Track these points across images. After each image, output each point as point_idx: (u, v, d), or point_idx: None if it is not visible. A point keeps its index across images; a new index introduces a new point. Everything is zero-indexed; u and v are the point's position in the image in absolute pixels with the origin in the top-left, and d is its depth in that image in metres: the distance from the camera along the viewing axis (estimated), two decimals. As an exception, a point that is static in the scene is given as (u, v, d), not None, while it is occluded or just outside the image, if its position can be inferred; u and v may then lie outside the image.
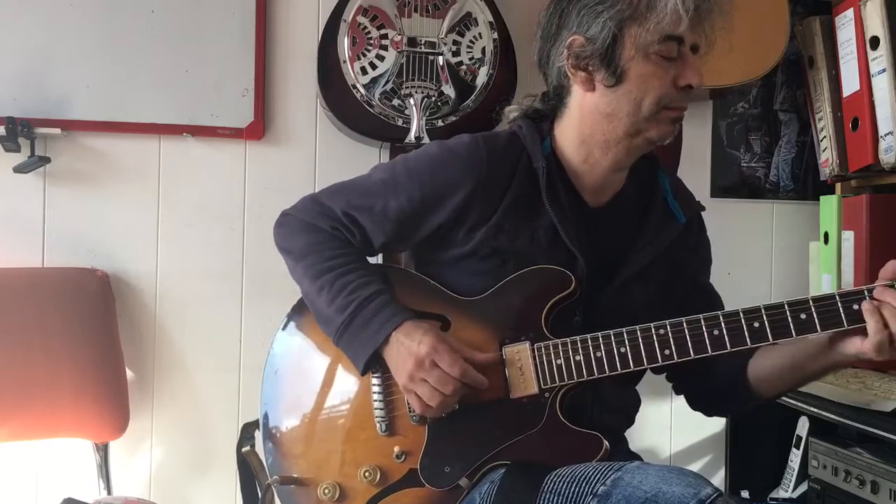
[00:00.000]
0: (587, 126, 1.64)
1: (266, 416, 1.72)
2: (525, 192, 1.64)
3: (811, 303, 1.48)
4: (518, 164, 1.65)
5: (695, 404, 1.86)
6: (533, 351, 1.58)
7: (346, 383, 1.67)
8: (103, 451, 2.34)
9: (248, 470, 1.79)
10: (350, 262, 1.65)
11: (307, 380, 1.70)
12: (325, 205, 1.68)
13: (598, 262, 1.66)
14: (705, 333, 1.51)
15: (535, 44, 1.70)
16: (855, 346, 1.50)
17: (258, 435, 1.75)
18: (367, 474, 1.60)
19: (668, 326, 1.53)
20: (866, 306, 1.45)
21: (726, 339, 1.50)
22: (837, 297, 1.47)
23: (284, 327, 1.75)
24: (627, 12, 1.53)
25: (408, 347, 1.54)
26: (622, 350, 1.54)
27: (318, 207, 1.69)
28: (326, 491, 1.62)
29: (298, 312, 1.75)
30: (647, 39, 1.53)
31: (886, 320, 1.44)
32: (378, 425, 1.62)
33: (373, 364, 1.60)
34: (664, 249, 1.72)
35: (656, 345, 1.52)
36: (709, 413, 1.87)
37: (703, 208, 1.83)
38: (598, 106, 1.62)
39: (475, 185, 1.62)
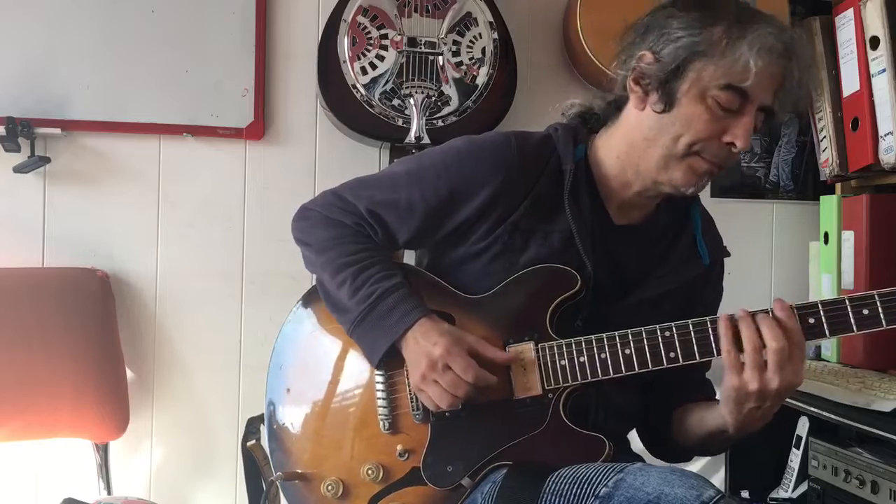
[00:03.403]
0: (627, 143, 1.64)
1: (270, 411, 1.72)
2: (548, 192, 1.63)
3: (820, 307, 1.48)
4: (547, 164, 1.65)
5: (642, 438, 1.85)
6: (537, 351, 1.57)
7: (351, 380, 1.67)
8: (103, 451, 2.34)
9: (252, 464, 1.79)
10: (372, 257, 1.64)
11: (312, 376, 1.70)
12: (348, 201, 1.67)
13: (610, 277, 1.65)
14: (711, 337, 1.50)
15: (616, 47, 1.67)
16: (725, 383, 1.49)
17: (263, 429, 1.75)
18: (370, 472, 1.60)
19: (674, 329, 1.52)
20: (723, 327, 1.47)
21: None
22: (847, 300, 1.46)
23: (289, 322, 1.75)
24: (702, 47, 1.51)
25: (423, 347, 1.53)
26: (627, 352, 1.53)
27: (340, 203, 1.68)
28: (330, 487, 1.62)
29: (304, 307, 1.75)
30: (709, 81, 1.51)
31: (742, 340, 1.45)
32: (381, 423, 1.62)
33: (388, 357, 1.59)
34: (681, 285, 1.71)
35: (661, 347, 1.52)
36: (651, 451, 1.85)
37: (728, 255, 1.82)
38: (641, 126, 1.60)
39: (503, 181, 1.61)
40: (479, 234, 1.64)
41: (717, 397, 1.78)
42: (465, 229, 1.65)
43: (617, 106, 1.67)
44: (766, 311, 1.47)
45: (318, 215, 1.69)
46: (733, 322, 1.47)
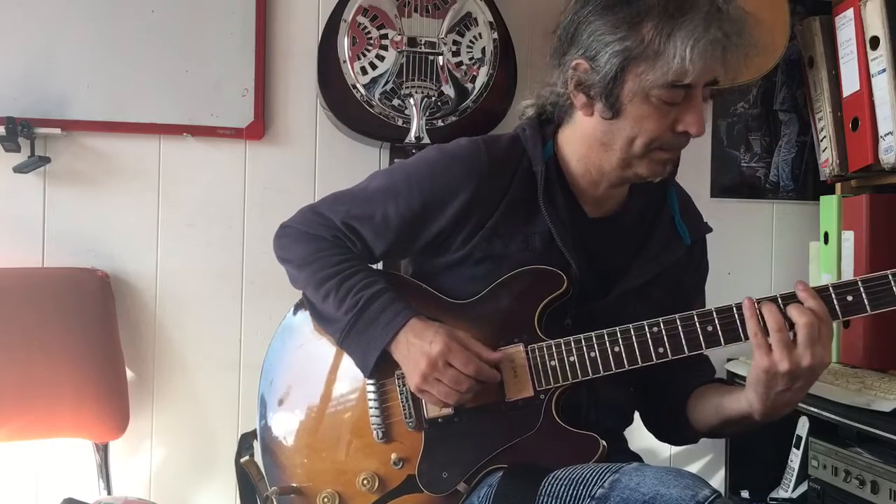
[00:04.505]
0: (586, 147, 1.63)
1: (263, 426, 1.72)
2: (523, 195, 1.63)
3: None
4: (518, 167, 1.64)
5: (647, 424, 1.85)
6: (527, 353, 1.57)
7: (342, 391, 1.67)
8: (103, 451, 2.34)
9: (247, 480, 1.77)
10: (354, 266, 1.64)
11: (303, 389, 1.70)
12: (324, 215, 1.68)
13: (594, 273, 1.65)
14: (699, 330, 1.51)
15: (551, 45, 1.66)
16: (754, 365, 1.48)
17: (256, 445, 1.75)
18: (365, 482, 1.60)
19: (662, 324, 1.52)
20: (747, 309, 1.47)
21: (720, 334, 1.51)
22: (831, 287, 1.47)
23: (279, 336, 1.75)
24: (635, 51, 1.49)
25: (419, 347, 1.53)
26: (616, 349, 1.53)
27: (317, 218, 1.68)
28: (326, 499, 1.62)
29: (292, 320, 1.75)
30: (649, 83, 1.49)
31: (765, 321, 1.45)
32: (374, 432, 1.62)
33: (381, 363, 1.59)
34: (666, 268, 1.71)
35: (650, 343, 1.52)
36: (658, 436, 1.86)
37: (710, 230, 1.82)
38: (595, 132, 1.60)
39: (475, 188, 1.61)
40: (458, 243, 1.64)
41: (716, 374, 1.79)
42: (442, 239, 1.65)
43: (570, 104, 1.65)
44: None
45: (297, 231, 1.70)
46: (757, 304, 1.47)
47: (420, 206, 1.63)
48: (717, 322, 1.50)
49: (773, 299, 1.47)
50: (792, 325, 1.44)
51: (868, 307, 1.46)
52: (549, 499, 1.43)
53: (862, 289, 1.46)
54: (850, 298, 1.46)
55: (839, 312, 1.47)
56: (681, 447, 2.64)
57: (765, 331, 1.45)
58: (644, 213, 1.74)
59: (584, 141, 1.63)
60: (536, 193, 1.62)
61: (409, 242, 1.67)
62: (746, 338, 1.48)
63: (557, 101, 1.67)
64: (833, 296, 1.47)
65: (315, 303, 1.66)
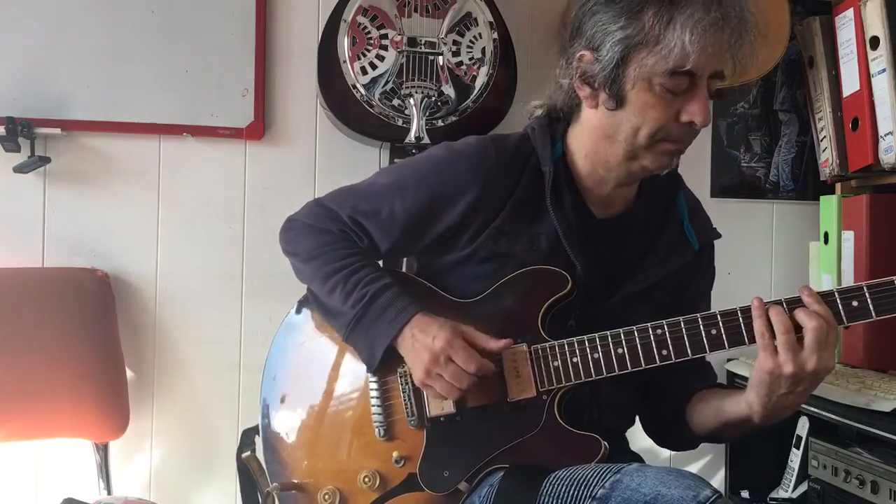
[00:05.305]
0: (592, 142, 1.63)
1: (265, 422, 1.72)
2: (530, 195, 1.63)
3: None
4: (526, 166, 1.64)
5: (646, 428, 1.85)
6: (530, 353, 1.57)
7: (345, 388, 1.67)
8: (103, 451, 2.34)
9: (248, 475, 1.77)
10: (360, 261, 1.64)
11: (305, 385, 1.69)
12: (331, 209, 1.68)
13: (599, 275, 1.65)
14: (703, 333, 1.50)
15: (557, 47, 1.67)
16: (758, 366, 1.47)
17: (258, 440, 1.75)
18: (366, 479, 1.60)
19: (666, 326, 1.52)
20: (755, 309, 1.46)
21: (724, 338, 1.50)
22: (836, 293, 1.47)
23: (281, 333, 1.75)
24: (637, 38, 1.49)
25: (423, 342, 1.54)
26: (619, 351, 1.53)
27: (324, 212, 1.69)
28: (327, 497, 1.62)
29: (296, 317, 1.75)
30: (652, 70, 1.49)
31: (772, 323, 1.45)
32: (376, 430, 1.62)
33: (388, 357, 1.59)
34: (672, 273, 1.70)
35: (654, 345, 1.52)
36: (657, 440, 1.85)
37: (719, 236, 1.81)
38: (600, 124, 1.60)
39: (483, 187, 1.61)
40: (464, 241, 1.64)
41: (720, 380, 1.79)
42: (448, 237, 1.65)
43: (577, 102, 1.65)
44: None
45: (303, 225, 1.70)
46: (765, 306, 1.46)
47: (427, 202, 1.63)
48: (721, 325, 1.50)
49: (779, 303, 1.47)
50: (798, 329, 1.44)
51: (873, 313, 1.45)
52: (551, 499, 1.43)
53: (867, 294, 1.45)
54: (855, 304, 1.45)
55: (844, 318, 1.46)
56: (681, 447, 2.65)
57: (771, 332, 1.45)
58: (652, 215, 1.74)
59: (589, 136, 1.63)
60: (544, 193, 1.62)
61: (415, 239, 1.67)
62: (751, 342, 1.48)
63: (566, 101, 1.67)
64: (838, 301, 1.46)
65: (320, 296, 1.66)
